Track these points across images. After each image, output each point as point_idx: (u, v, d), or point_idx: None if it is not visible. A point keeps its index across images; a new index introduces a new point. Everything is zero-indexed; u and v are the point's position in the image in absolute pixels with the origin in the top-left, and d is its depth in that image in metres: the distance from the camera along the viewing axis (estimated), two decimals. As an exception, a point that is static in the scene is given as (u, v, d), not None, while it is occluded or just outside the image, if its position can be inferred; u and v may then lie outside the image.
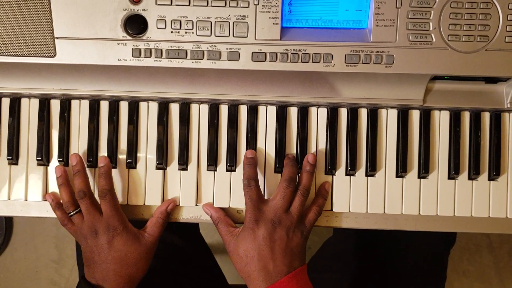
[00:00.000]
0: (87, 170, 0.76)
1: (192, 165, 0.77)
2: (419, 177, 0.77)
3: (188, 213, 0.78)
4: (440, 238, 0.90)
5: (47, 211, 0.78)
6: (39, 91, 0.76)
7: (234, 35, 0.70)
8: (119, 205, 0.74)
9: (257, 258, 0.69)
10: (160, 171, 0.77)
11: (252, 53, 0.71)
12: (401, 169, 0.77)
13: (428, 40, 0.70)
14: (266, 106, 0.77)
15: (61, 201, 0.75)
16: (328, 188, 0.76)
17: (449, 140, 0.78)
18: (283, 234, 0.70)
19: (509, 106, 0.76)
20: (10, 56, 0.71)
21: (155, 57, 0.71)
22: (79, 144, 0.77)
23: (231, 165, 0.77)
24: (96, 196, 0.75)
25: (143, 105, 0.77)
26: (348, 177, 0.77)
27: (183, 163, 0.77)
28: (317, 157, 0.77)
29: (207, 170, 0.77)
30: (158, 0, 0.69)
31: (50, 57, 0.71)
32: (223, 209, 0.77)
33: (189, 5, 0.69)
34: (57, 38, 0.71)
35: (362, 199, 0.77)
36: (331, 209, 0.77)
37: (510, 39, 0.70)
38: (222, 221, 0.75)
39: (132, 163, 0.77)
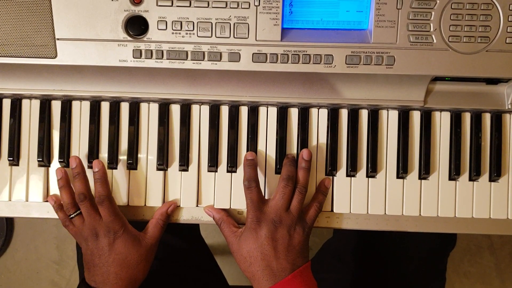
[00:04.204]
0: (88, 172, 0.76)
1: (193, 166, 0.77)
2: (420, 178, 0.77)
3: (189, 214, 0.78)
4: (440, 239, 0.90)
5: (48, 212, 0.78)
6: (40, 92, 0.76)
7: (235, 36, 0.70)
8: (118, 209, 0.74)
9: (261, 257, 0.70)
10: (161, 172, 0.77)
11: (253, 54, 0.71)
12: (402, 170, 0.77)
13: (429, 41, 0.70)
14: (267, 107, 0.77)
15: (62, 203, 0.75)
16: (328, 184, 0.76)
17: (450, 141, 0.78)
18: (285, 232, 0.70)
19: (510, 107, 0.76)
20: (11, 57, 0.71)
21: (156, 58, 0.71)
22: (80, 145, 0.77)
23: (232, 166, 0.77)
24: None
25: (143, 106, 0.77)
26: (349, 178, 0.77)
27: (184, 164, 0.77)
28: (318, 158, 0.77)
29: (208, 171, 0.77)
30: (159, 1, 0.69)
31: (51, 58, 0.72)
32: (224, 210, 0.77)
33: (189, 6, 0.70)
34: (58, 39, 0.71)
35: (362, 200, 0.77)
36: (332, 210, 0.77)
37: (511, 40, 0.70)
38: (225, 222, 0.75)
39: (133, 164, 0.77)
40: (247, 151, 0.76)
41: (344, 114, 0.78)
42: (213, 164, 0.76)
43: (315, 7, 0.72)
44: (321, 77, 0.74)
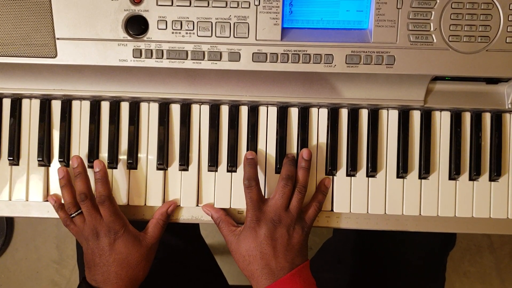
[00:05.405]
0: (88, 171, 0.76)
1: (193, 166, 0.77)
2: (420, 177, 0.77)
3: (189, 213, 0.78)
4: (440, 239, 0.90)
5: (48, 211, 0.78)
6: (40, 91, 0.76)
7: (235, 35, 0.70)
8: (118, 209, 0.74)
9: (260, 256, 0.70)
10: (161, 172, 0.77)
11: (253, 53, 0.71)
12: (402, 170, 0.77)
13: (429, 41, 0.70)
14: (267, 107, 0.77)
15: (63, 202, 0.75)
16: (328, 184, 0.76)
17: (450, 140, 0.78)
18: (284, 232, 0.70)
19: (510, 106, 0.76)
20: (11, 56, 0.71)
21: (156, 58, 0.71)
22: (80, 145, 0.77)
23: (232, 166, 0.77)
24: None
25: (144, 106, 0.77)
26: (349, 177, 0.77)
27: (184, 163, 0.77)
28: (318, 157, 0.77)
29: (208, 170, 0.77)
30: (159, 1, 0.69)
31: (51, 57, 0.72)
32: (223, 209, 0.77)
33: (190, 5, 0.70)
34: (58, 38, 0.71)
35: (362, 199, 0.77)
36: (332, 210, 0.77)
37: (511, 39, 0.70)
38: (223, 221, 0.75)
39: (133, 163, 0.77)
40: (247, 150, 0.76)
41: (344, 113, 0.78)
42: (213, 163, 0.76)
43: (315, 6, 0.72)
44: (321, 76, 0.74)
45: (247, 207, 0.72)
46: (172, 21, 0.70)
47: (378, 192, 0.77)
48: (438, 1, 0.69)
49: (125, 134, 0.77)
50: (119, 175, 0.77)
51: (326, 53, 0.71)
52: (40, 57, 0.71)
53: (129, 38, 0.71)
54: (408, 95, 0.75)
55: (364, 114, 0.78)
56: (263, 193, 0.75)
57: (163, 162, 0.76)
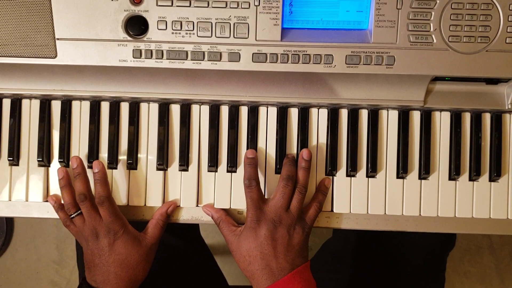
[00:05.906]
0: (88, 172, 0.76)
1: (193, 166, 0.77)
2: (420, 178, 0.77)
3: (189, 214, 0.78)
4: (440, 239, 0.90)
5: (47, 212, 0.78)
6: (40, 92, 0.76)
7: (235, 36, 0.70)
8: (118, 209, 0.74)
9: (260, 257, 0.70)
10: (161, 172, 0.77)
11: (253, 54, 0.71)
12: (402, 170, 0.77)
13: (429, 41, 0.70)
14: (267, 107, 0.77)
15: (63, 203, 0.75)
16: (328, 184, 0.76)
17: (450, 141, 0.78)
18: (284, 232, 0.70)
19: (509, 107, 0.76)
20: (11, 57, 0.71)
21: (156, 58, 0.71)
22: (79, 145, 0.77)
23: (232, 166, 0.77)
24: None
25: (143, 106, 0.77)
26: (349, 178, 0.77)
27: (184, 164, 0.77)
28: (318, 158, 0.77)
29: (208, 171, 0.77)
30: (158, 1, 0.69)
31: (51, 58, 0.72)
32: (223, 209, 0.77)
33: (189, 6, 0.70)
34: (58, 39, 0.71)
35: (362, 200, 0.77)
36: (332, 210, 0.77)
37: (511, 40, 0.70)
38: (223, 221, 0.75)
39: (132, 164, 0.77)
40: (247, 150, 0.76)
41: (344, 114, 0.78)
42: (213, 164, 0.76)
43: (315, 7, 0.72)
44: (321, 77, 0.74)
45: (248, 207, 0.72)
46: (172, 21, 0.70)
47: (378, 193, 0.77)
48: (438, 1, 0.69)
49: (125, 135, 0.77)
50: (119, 176, 0.77)
51: (326, 54, 0.71)
52: (40, 58, 0.72)
53: (129, 38, 0.71)
54: (408, 96, 0.75)
55: (364, 115, 0.78)
56: (263, 193, 0.75)
57: (163, 163, 0.76)
